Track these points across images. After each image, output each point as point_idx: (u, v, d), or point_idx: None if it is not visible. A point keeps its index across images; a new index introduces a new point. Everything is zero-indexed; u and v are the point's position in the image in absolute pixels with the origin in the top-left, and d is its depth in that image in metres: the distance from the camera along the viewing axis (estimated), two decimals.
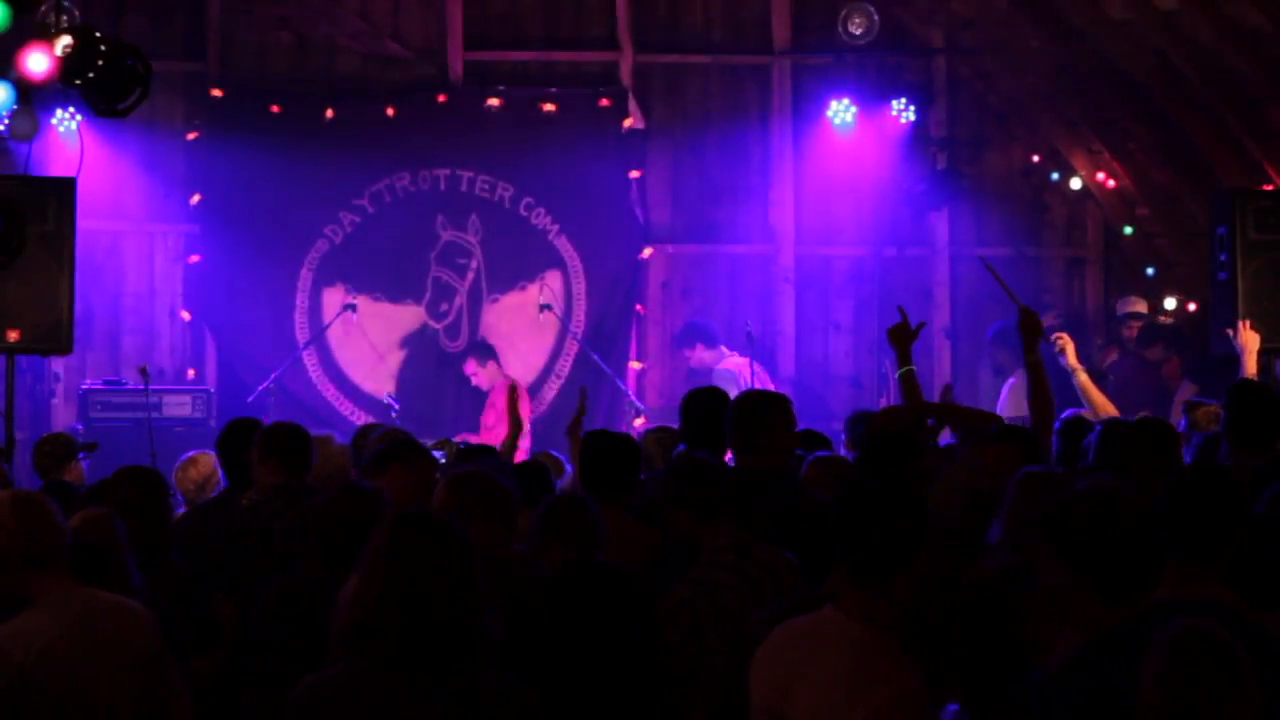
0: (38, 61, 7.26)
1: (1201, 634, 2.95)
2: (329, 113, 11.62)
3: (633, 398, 11.49)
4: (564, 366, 11.83)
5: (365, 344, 11.68)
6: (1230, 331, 8.15)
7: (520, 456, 8.20)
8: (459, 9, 11.89)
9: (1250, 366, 7.96)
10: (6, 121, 10.08)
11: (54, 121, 10.85)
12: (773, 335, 12.01)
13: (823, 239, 12.15)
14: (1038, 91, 11.88)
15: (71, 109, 10.72)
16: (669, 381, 11.89)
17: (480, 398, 11.25)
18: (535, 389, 11.72)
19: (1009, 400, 9.69)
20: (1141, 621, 3.17)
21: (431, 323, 11.75)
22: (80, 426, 10.33)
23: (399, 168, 11.72)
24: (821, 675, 3.71)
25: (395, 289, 11.71)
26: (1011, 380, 10.05)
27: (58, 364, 11.28)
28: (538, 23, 12.06)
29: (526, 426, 10.67)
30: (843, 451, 7.24)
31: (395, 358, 11.74)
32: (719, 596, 4.68)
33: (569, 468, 7.04)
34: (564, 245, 11.82)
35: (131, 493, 5.27)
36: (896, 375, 6.56)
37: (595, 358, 11.35)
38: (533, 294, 11.73)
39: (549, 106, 11.79)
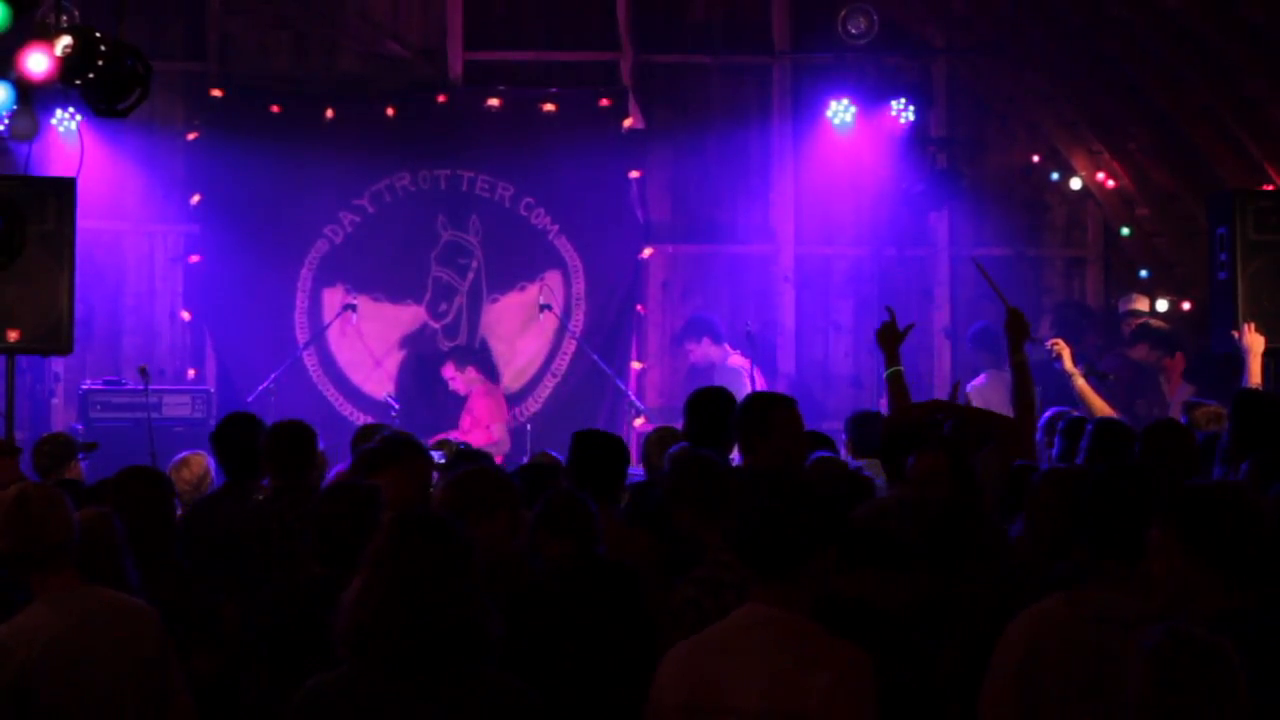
0: (38, 61, 7.25)
1: (1186, 639, 3.05)
2: (329, 113, 11.61)
3: (633, 398, 11.49)
4: (560, 365, 11.81)
5: (365, 344, 11.67)
6: (1235, 334, 8.13)
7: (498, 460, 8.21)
8: (459, 9, 11.88)
9: (1255, 368, 7.94)
10: (6, 121, 10.08)
11: (54, 121, 10.85)
12: (773, 335, 12.01)
13: (823, 239, 12.15)
14: (1038, 91, 11.87)
15: (71, 109, 10.71)
16: (669, 381, 11.90)
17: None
18: (531, 388, 11.72)
19: (974, 400, 9.65)
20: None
21: (431, 322, 11.74)
22: (80, 426, 10.32)
23: (399, 168, 11.71)
24: (749, 663, 3.64)
25: (395, 289, 11.70)
26: (977, 381, 10.05)
27: (58, 364, 11.27)
28: (538, 23, 12.05)
29: (497, 434, 10.72)
30: (843, 452, 7.24)
31: (395, 358, 11.73)
32: (723, 596, 4.67)
33: None
34: (564, 245, 11.82)
35: (137, 492, 5.27)
36: (884, 375, 6.60)
37: (595, 357, 11.34)
38: (533, 294, 11.72)
39: (549, 106, 11.78)
